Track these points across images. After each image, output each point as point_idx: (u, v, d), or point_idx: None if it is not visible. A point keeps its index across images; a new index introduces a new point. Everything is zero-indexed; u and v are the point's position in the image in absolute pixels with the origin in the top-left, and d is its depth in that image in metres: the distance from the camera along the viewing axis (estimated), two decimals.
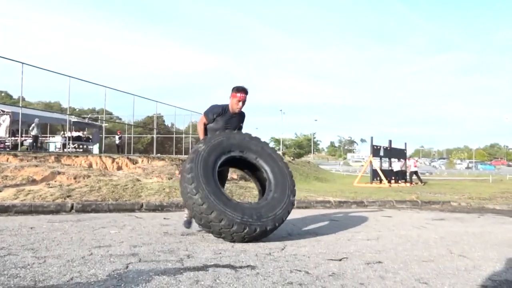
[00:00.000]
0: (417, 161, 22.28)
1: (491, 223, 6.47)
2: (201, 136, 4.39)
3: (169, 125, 35.10)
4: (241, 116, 4.50)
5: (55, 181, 7.93)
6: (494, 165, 67.19)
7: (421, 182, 19.05)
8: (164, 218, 5.40)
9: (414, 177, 19.48)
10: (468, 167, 61.78)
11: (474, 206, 9.50)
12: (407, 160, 20.42)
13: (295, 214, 6.51)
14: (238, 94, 4.25)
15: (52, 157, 10.14)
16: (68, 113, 19.10)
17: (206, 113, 4.37)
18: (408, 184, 18.21)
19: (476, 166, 61.74)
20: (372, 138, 18.27)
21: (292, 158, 27.91)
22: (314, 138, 76.02)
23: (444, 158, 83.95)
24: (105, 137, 30.01)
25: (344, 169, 38.51)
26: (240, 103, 4.28)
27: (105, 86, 18.00)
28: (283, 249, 3.55)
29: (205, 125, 4.41)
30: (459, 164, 69.46)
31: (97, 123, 27.21)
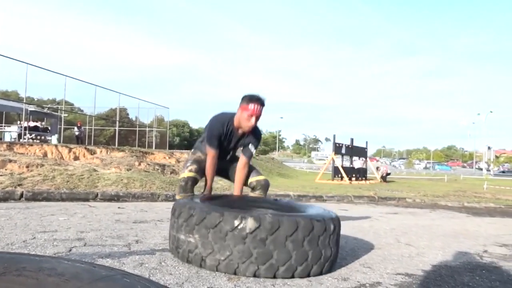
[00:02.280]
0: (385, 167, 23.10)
1: (441, 217, 6.74)
2: (209, 178, 3.28)
3: (133, 119, 34.41)
4: (253, 135, 3.22)
5: (6, 169, 7.59)
6: (450, 166, 70.06)
7: (385, 180, 19.63)
8: (119, 208, 5.28)
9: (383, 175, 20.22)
10: (426, 167, 64.17)
11: (427, 203, 9.86)
12: (378, 161, 21.43)
13: None
14: (252, 107, 2.98)
15: (4, 145, 9.70)
16: (24, 101, 18.31)
17: (209, 142, 3.13)
18: (368, 182, 18.74)
19: (433, 166, 64.19)
20: (334, 136, 18.59)
21: (256, 154, 27.97)
22: (280, 135, 76.66)
23: (404, 158, 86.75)
24: (65, 128, 29.05)
25: (308, 167, 39.01)
26: (253, 120, 3.02)
27: (65, 75, 17.40)
28: None
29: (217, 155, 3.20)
30: (417, 164, 71.94)
31: (56, 113, 26.28)
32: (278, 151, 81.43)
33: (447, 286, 2.38)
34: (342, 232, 4.11)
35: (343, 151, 18.72)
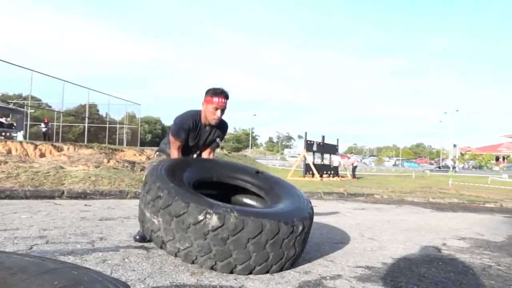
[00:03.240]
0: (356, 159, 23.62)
1: (406, 212, 6.94)
2: None
3: (104, 115, 33.72)
4: (219, 128, 3.24)
5: None
6: (418, 163, 71.91)
7: (355, 177, 20.00)
8: (85, 205, 5.20)
9: (349, 171, 20.59)
10: (395, 164, 65.69)
11: (394, 199, 10.12)
12: (351, 156, 21.89)
13: None
14: (216, 99, 2.99)
15: None
16: None
17: (176, 134, 3.10)
18: (339, 179, 19.06)
19: (402, 163, 65.74)
20: (306, 133, 18.78)
21: (228, 151, 27.93)
22: (253, 133, 76.80)
23: (374, 156, 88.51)
24: (32, 124, 28.17)
25: (281, 164, 39.25)
26: (218, 113, 3.03)
27: (31, 70, 16.86)
28: None
29: (180, 148, 3.17)
30: (387, 161, 73.58)
31: (22, 109, 25.46)
32: (251, 148, 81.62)
33: (404, 278, 2.48)
34: None
35: (315, 148, 18.95)
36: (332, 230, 4.25)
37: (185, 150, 3.21)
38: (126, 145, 23.62)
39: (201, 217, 2.20)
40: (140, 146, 23.46)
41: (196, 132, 3.13)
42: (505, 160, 76.06)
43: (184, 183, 2.57)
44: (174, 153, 3.16)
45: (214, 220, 2.19)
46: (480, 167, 60.38)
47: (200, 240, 2.22)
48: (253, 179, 3.15)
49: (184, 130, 3.07)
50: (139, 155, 11.99)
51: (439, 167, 52.94)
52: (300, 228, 2.42)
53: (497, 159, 73.65)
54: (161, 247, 2.36)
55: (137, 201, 6.06)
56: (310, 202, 2.82)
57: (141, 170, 9.70)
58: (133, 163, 10.02)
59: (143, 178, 2.70)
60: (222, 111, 3.07)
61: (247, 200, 3.32)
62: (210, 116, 3.05)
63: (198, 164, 3.14)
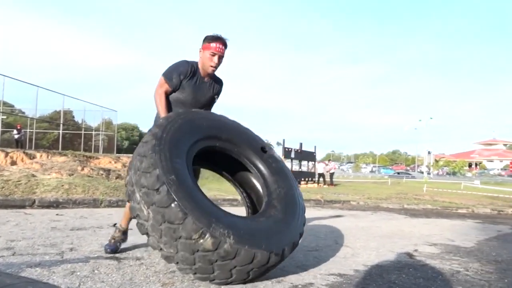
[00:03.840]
0: (334, 166, 24.00)
1: (381, 219, 7.05)
2: (162, 111, 2.84)
3: (79, 121, 33.09)
4: (217, 83, 3.05)
5: None
6: (394, 169, 73.20)
7: (332, 184, 20.21)
8: (57, 215, 5.08)
9: (326, 178, 20.79)
10: (372, 171, 66.77)
11: (370, 205, 10.27)
12: (329, 163, 22.10)
13: None
14: (214, 45, 2.82)
15: None
16: None
17: (166, 75, 2.85)
18: (326, 185, 19.41)
19: (379, 170, 66.85)
20: (284, 140, 18.89)
21: None
22: None
23: (351, 162, 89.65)
24: (4, 131, 27.41)
25: None
26: (216, 59, 2.84)
27: (3, 75, 16.45)
28: None
29: (167, 94, 2.90)
30: (364, 168, 74.68)
31: None
32: None
33: (374, 285, 2.51)
34: None
35: (293, 155, 19.06)
36: (307, 237, 4.26)
37: (183, 107, 2.91)
38: (103, 152, 23.24)
39: (195, 236, 2.00)
40: (117, 153, 23.12)
41: (195, 81, 2.88)
42: (477, 166, 78.20)
43: (187, 167, 2.31)
44: (159, 96, 2.86)
45: (207, 243, 2.01)
46: (454, 174, 61.91)
47: (186, 253, 2.06)
48: (256, 159, 2.83)
49: (179, 73, 2.83)
50: (115, 162, 11.81)
51: (398, 173, 54.87)
52: (287, 254, 2.36)
53: (469, 165, 75.63)
54: (143, 235, 2.18)
55: (111, 210, 5.98)
56: (305, 216, 2.70)
57: (116, 177, 9.55)
58: (108, 171, 9.86)
59: (141, 141, 2.38)
60: (220, 58, 2.87)
61: (248, 184, 3.06)
62: (207, 63, 2.86)
63: (206, 123, 2.67)
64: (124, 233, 3.02)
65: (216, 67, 2.88)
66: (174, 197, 2.03)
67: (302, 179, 19.46)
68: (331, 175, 21.31)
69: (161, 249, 2.13)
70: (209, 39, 2.84)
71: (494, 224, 6.91)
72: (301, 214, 2.65)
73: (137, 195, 2.13)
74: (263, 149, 2.92)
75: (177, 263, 2.14)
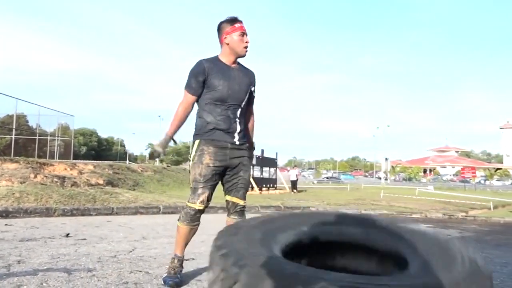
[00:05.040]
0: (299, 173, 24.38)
1: None
2: (170, 129, 2.59)
3: (34, 126, 31.78)
4: (248, 71, 2.69)
5: None
6: (353, 175, 75.05)
7: (296, 190, 20.44)
8: (6, 225, 4.85)
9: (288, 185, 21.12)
10: (332, 177, 68.00)
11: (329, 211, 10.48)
12: (292, 169, 22.65)
13: (157, 218, 6.44)
14: (238, 25, 2.53)
15: None
16: None
17: (186, 85, 2.54)
18: (293, 192, 19.66)
19: (339, 176, 68.26)
20: None
21: (167, 165, 27.39)
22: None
23: (312, 169, 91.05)
24: None
25: None
26: (246, 38, 2.55)
27: None
28: (131, 251, 3.47)
29: (192, 104, 2.58)
30: (325, 174, 76.00)
31: None
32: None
33: None
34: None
35: (254, 161, 19.17)
36: None
37: (222, 105, 2.52)
38: (58, 158, 22.41)
39: None
40: (74, 159, 22.41)
41: (222, 71, 2.52)
42: (432, 172, 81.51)
43: None
44: (180, 108, 2.56)
45: None
46: (410, 179, 64.18)
47: None
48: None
49: (195, 75, 2.51)
50: (70, 169, 11.43)
51: (327, 178, 57.64)
52: None
53: (424, 171, 78.71)
54: None
55: (65, 219, 5.79)
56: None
57: (71, 185, 9.25)
58: (63, 178, 9.54)
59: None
60: (247, 36, 2.56)
61: None
62: (239, 45, 2.52)
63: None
64: (182, 262, 2.59)
65: (247, 48, 2.57)
66: None
67: (264, 185, 19.59)
68: (295, 181, 21.54)
69: None
70: (230, 21, 2.54)
71: (445, 229, 7.23)
72: None
73: None
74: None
75: None
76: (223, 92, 2.49)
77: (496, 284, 3.08)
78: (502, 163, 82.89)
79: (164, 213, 7.33)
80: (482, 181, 61.17)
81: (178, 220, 2.55)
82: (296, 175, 21.76)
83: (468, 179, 45.30)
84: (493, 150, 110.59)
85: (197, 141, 2.54)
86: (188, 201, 2.51)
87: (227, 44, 2.53)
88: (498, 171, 72.45)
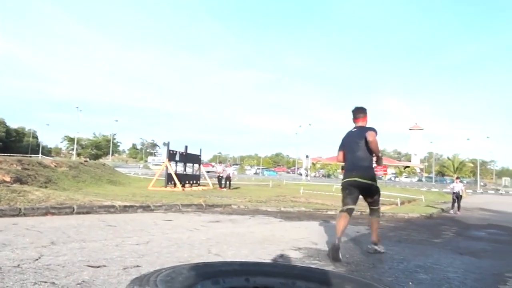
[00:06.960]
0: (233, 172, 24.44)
1: (257, 223, 7.41)
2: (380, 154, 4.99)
3: None
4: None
5: None
6: (276, 171, 77.07)
7: (229, 187, 20.43)
8: None
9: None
10: (256, 173, 69.31)
11: (250, 208, 10.70)
12: (228, 167, 22.89)
13: (70, 220, 6.14)
14: None
15: None
16: None
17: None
18: (225, 189, 19.61)
19: (262, 172, 69.77)
20: (168, 143, 18.67)
21: (86, 159, 26.03)
22: (114, 139, 72.90)
23: (237, 164, 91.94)
24: None
25: (144, 172, 38.06)
26: None
27: None
28: (37, 259, 3.30)
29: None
30: (249, 170, 77.23)
31: None
32: (112, 155, 77.39)
33: None
34: (159, 245, 4.22)
35: (177, 158, 18.92)
36: (181, 247, 4.33)
37: None
38: None
39: None
40: None
41: None
42: None
43: None
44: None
45: None
46: (329, 176, 67.44)
47: None
48: None
49: None
50: None
51: (208, 172, 60.11)
52: None
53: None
54: None
55: None
56: None
57: None
58: None
59: None
60: None
61: None
62: None
63: None
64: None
65: None
66: None
67: (187, 181, 19.43)
68: (227, 178, 21.42)
69: None
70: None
71: (354, 225, 7.73)
72: None
73: None
74: None
75: None
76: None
77: (390, 280, 3.42)
78: (410, 161, 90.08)
79: (78, 213, 7.00)
80: (393, 178, 66.20)
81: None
82: (233, 172, 21.93)
83: (380, 176, 48.67)
84: (403, 149, 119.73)
85: None
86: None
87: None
88: (407, 169, 78.78)
